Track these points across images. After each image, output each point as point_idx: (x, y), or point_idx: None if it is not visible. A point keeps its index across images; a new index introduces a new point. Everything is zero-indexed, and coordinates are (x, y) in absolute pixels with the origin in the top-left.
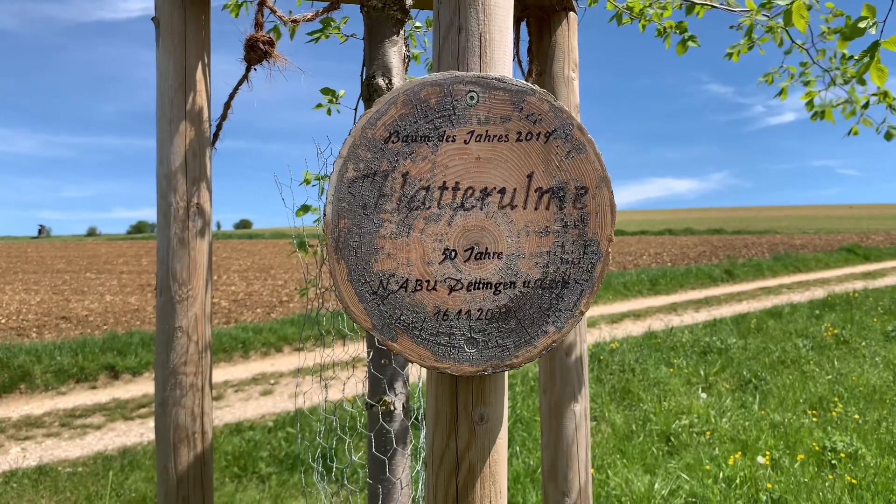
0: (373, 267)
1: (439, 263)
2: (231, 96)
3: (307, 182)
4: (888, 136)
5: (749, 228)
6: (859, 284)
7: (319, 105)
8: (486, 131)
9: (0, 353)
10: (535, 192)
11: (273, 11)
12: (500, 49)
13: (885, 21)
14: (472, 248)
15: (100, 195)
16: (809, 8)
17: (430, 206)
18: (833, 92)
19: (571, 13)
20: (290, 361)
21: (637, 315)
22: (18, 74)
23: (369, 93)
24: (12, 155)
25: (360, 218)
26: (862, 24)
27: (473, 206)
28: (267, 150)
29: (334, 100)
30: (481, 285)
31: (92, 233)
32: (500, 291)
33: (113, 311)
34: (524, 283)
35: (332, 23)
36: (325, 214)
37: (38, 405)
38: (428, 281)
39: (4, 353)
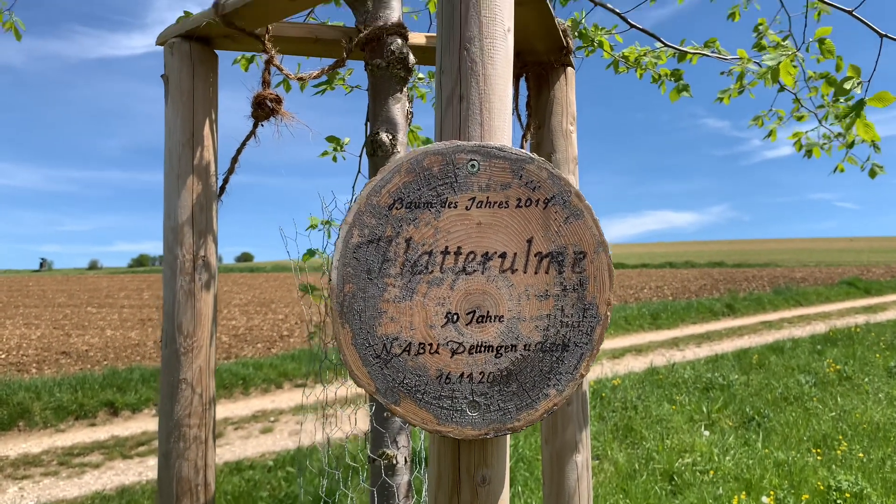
0: (377, 331)
1: (442, 327)
2: (238, 151)
3: (313, 227)
4: (872, 174)
5: (749, 261)
6: (861, 319)
7: (325, 153)
8: (487, 198)
9: None
10: (535, 256)
11: (280, 70)
12: (500, 117)
13: (869, 80)
14: (474, 312)
15: (101, 229)
16: (796, 69)
17: (432, 271)
18: (825, 127)
19: (569, 68)
20: (291, 398)
21: (639, 350)
22: (23, 110)
23: (373, 148)
24: (15, 189)
25: (365, 282)
26: (847, 85)
27: (475, 271)
28: (269, 184)
29: (339, 147)
30: (483, 348)
31: (93, 266)
32: (501, 354)
33: (113, 346)
34: (525, 346)
35: (337, 74)
36: (330, 279)
37: (36, 443)
38: (430, 344)
39: (4, 390)
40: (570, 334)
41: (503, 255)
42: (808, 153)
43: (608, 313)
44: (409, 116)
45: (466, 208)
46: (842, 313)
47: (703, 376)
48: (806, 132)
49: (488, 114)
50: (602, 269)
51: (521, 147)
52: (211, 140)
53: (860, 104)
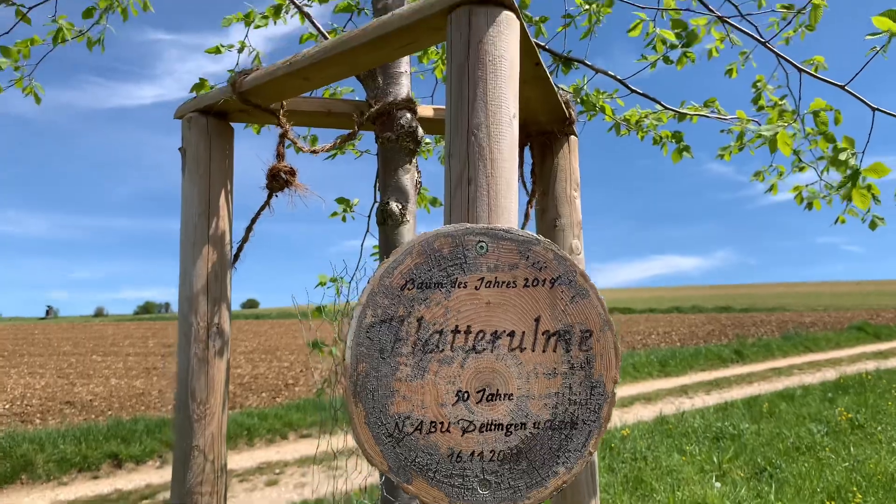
0: (389, 410)
1: (452, 405)
2: (253, 220)
3: (322, 284)
4: (872, 226)
5: (757, 306)
6: (871, 365)
7: (335, 213)
8: (496, 278)
9: (3, 441)
10: (543, 335)
11: (293, 143)
12: (506, 197)
13: (863, 151)
14: (484, 390)
15: (109, 276)
16: (794, 135)
17: (443, 350)
18: (825, 179)
19: (572, 137)
20: (296, 449)
21: (647, 398)
22: (35, 159)
23: (384, 217)
24: (24, 236)
25: (378, 362)
26: (842, 157)
27: (485, 349)
28: (275, 230)
29: (349, 209)
30: (493, 426)
31: (99, 313)
32: (511, 433)
33: (118, 396)
34: (534, 424)
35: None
36: (344, 359)
37: (39, 496)
38: (442, 423)
39: (7, 442)
40: (578, 412)
41: (512, 334)
42: (809, 205)
43: (615, 391)
44: (418, 186)
45: (476, 288)
46: (852, 359)
47: (714, 425)
48: (806, 185)
49: (495, 195)
50: (608, 347)
51: (527, 213)
52: (226, 210)
53: (855, 175)
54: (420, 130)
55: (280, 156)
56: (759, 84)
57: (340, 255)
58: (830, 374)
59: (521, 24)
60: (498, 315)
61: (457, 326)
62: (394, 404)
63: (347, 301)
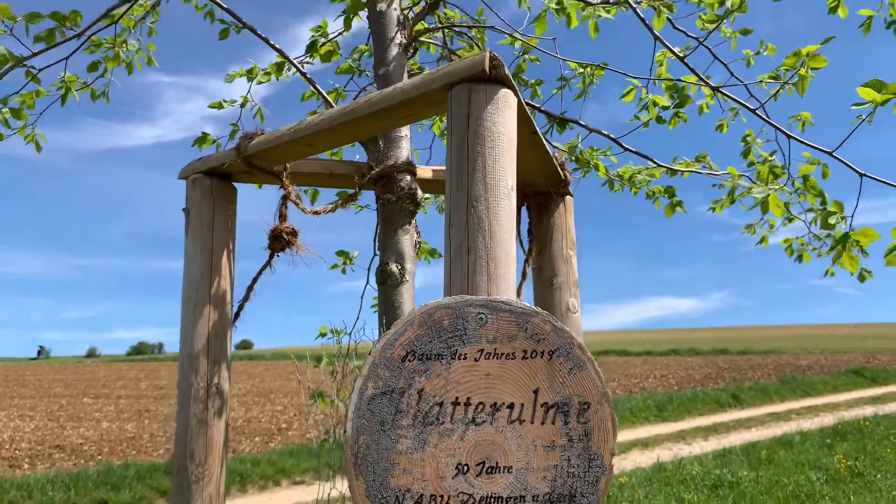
0: (389, 483)
1: (452, 478)
2: (254, 280)
3: (322, 335)
4: (861, 279)
5: (754, 348)
6: (869, 410)
7: (335, 266)
8: (495, 349)
9: None
10: (542, 406)
11: (297, 205)
12: (504, 266)
13: (852, 215)
14: (484, 463)
15: (102, 315)
16: (783, 187)
17: (443, 422)
18: (814, 231)
19: (568, 197)
20: (289, 496)
21: (645, 444)
22: (33, 199)
23: (383, 278)
24: (19, 276)
25: (378, 434)
26: (832, 220)
27: (484, 421)
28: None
29: (349, 261)
30: (493, 499)
31: (91, 354)
32: None
33: (108, 440)
34: (533, 497)
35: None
36: (345, 431)
37: None
38: (442, 496)
39: None
40: (576, 484)
41: (511, 406)
42: (799, 258)
43: (612, 464)
44: (417, 246)
45: (475, 360)
46: (850, 404)
47: (712, 472)
48: (796, 237)
49: (494, 265)
50: (605, 419)
51: (525, 271)
52: (228, 269)
53: (845, 238)
54: (419, 192)
55: (282, 217)
56: (748, 139)
57: (337, 295)
58: (828, 420)
59: (519, 99)
60: (497, 387)
61: (457, 398)
62: (394, 477)
63: (347, 351)
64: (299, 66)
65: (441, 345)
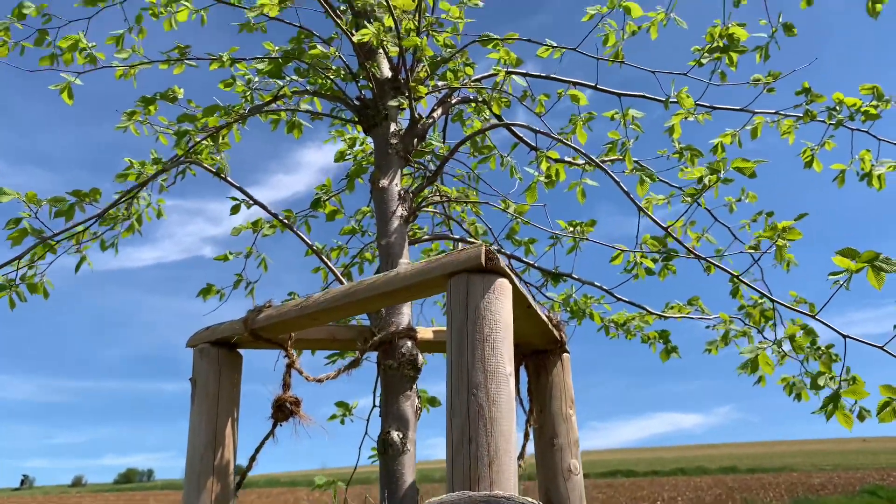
0: None
1: None
2: (257, 450)
3: (319, 487)
4: (861, 418)
5: (763, 466)
6: None
7: (334, 416)
8: None
9: None
10: None
11: (300, 373)
12: (506, 455)
13: (840, 376)
14: None
15: (91, 441)
16: (780, 360)
17: None
18: (808, 370)
19: (565, 354)
20: None
21: None
22: (29, 322)
23: (384, 447)
24: (7, 401)
25: None
26: (821, 381)
27: None
28: (264, 392)
29: (348, 412)
30: None
31: (77, 482)
32: None
33: None
34: None
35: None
36: None
37: None
38: None
39: None
40: None
41: None
42: (798, 397)
43: None
44: (418, 412)
45: None
46: None
47: None
48: (793, 376)
49: (496, 454)
50: None
51: (526, 432)
52: (231, 439)
53: (836, 397)
54: (420, 358)
55: (286, 385)
56: (735, 280)
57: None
58: None
59: (513, 284)
60: None
61: None
62: None
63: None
64: (310, 243)
65: None
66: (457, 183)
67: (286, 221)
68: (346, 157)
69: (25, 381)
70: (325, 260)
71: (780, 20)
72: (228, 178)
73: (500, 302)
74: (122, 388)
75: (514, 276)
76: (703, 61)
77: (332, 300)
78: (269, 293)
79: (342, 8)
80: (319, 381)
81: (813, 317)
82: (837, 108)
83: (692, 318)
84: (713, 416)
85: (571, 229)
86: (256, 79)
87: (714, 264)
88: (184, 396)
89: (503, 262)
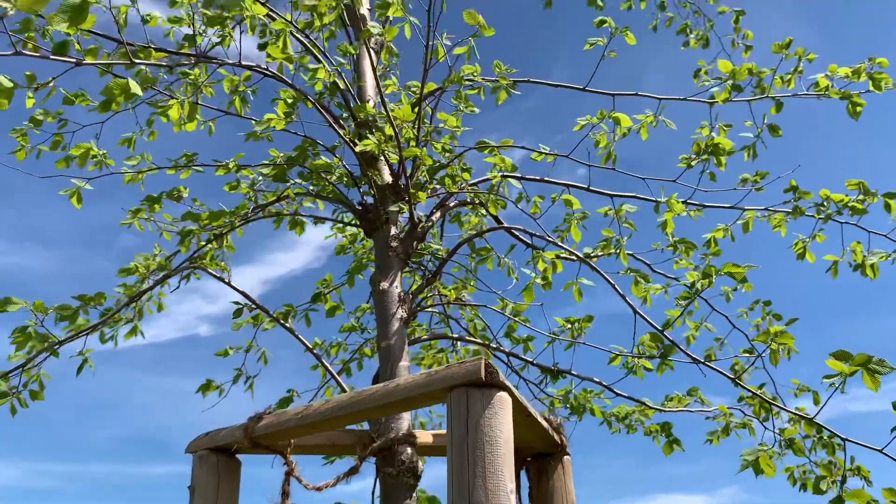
0: None
1: None
2: None
3: None
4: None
5: None
6: None
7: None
8: None
9: None
10: None
11: (299, 481)
12: None
13: (842, 479)
14: None
15: None
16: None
17: None
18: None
19: (566, 457)
20: None
21: None
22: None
23: None
24: None
25: None
26: (822, 486)
27: None
28: (255, 472)
29: None
30: None
31: None
32: None
33: None
34: None
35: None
36: None
37: None
38: None
39: None
40: None
41: None
42: (804, 486)
43: None
44: None
45: None
46: None
47: None
48: (797, 465)
49: None
50: None
51: None
52: None
53: (839, 501)
54: (420, 465)
55: (285, 494)
56: (735, 368)
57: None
58: None
59: (513, 396)
60: None
61: None
62: None
63: None
64: (308, 345)
65: None
66: (455, 279)
67: (285, 324)
68: (347, 252)
69: (10, 466)
70: (324, 362)
71: (766, 121)
72: (232, 284)
73: (500, 417)
74: (109, 472)
75: (513, 389)
76: (693, 163)
77: (333, 410)
78: (267, 385)
79: (345, 115)
80: (318, 489)
81: (811, 420)
82: (825, 203)
83: (691, 412)
84: (718, 496)
85: (569, 326)
86: (261, 179)
87: (712, 367)
88: (175, 480)
89: (502, 375)
